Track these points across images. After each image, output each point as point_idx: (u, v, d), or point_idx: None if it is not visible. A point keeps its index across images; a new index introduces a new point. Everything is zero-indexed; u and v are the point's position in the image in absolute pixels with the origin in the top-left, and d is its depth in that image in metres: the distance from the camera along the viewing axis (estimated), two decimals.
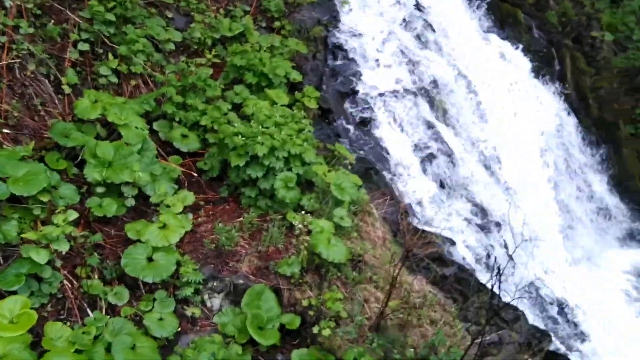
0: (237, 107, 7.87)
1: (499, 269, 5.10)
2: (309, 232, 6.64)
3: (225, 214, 7.03)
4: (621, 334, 9.99)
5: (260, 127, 6.99)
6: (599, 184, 12.35)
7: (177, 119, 7.59)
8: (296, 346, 6.25)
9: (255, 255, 6.59)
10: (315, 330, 6.09)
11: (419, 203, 8.76)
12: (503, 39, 11.70)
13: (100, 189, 6.50)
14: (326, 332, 6.01)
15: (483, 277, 8.27)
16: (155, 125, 7.55)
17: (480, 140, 10.29)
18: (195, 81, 7.73)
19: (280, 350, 6.27)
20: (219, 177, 7.50)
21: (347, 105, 9.23)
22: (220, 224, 6.69)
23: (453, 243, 8.54)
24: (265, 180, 6.89)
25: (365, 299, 6.43)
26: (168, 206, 6.71)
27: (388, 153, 9.07)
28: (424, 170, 9.24)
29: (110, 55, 7.52)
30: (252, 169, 6.87)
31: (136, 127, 6.93)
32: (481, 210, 9.71)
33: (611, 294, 11.05)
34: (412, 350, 6.11)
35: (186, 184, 7.35)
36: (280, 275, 6.47)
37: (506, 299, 6.47)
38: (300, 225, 6.60)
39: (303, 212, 6.88)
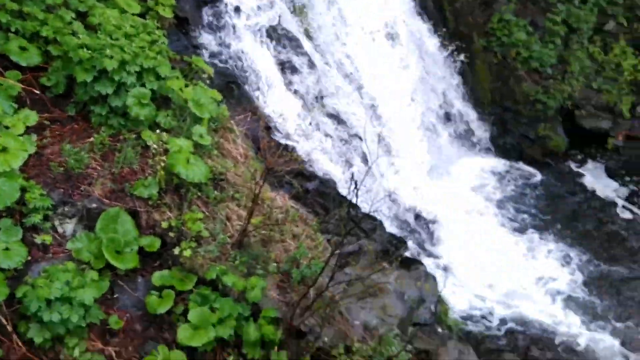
0: (82, 16, 7.18)
1: (355, 183, 5.18)
2: (166, 152, 6.36)
3: (73, 134, 6.52)
4: (472, 238, 10.83)
5: (108, 38, 6.45)
6: (455, 96, 12.95)
7: (13, 29, 6.78)
8: (157, 268, 6.11)
9: (108, 178, 6.23)
10: (176, 251, 5.96)
11: (282, 117, 8.68)
12: None
13: None
14: (187, 252, 5.90)
15: (344, 189, 8.47)
16: None
17: (344, 56, 10.30)
18: None
19: (140, 274, 6.11)
20: (65, 94, 6.86)
21: (206, 14, 8.73)
22: (68, 145, 6.21)
23: (315, 157, 8.62)
24: (116, 96, 6.43)
25: (228, 218, 6.36)
26: (7, 127, 6.08)
27: (250, 66, 8.80)
28: (287, 85, 9.12)
29: None
30: (101, 85, 6.37)
31: None
32: (343, 124, 9.84)
33: (464, 200, 11.86)
34: (275, 265, 6.19)
35: (28, 102, 6.69)
36: (136, 197, 6.19)
37: (367, 210, 6.71)
38: (155, 145, 6.29)
39: (159, 130, 6.54)
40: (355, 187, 5.28)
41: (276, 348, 5.78)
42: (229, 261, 6.03)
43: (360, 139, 9.67)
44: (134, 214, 6.16)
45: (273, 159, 5.91)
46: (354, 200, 5.43)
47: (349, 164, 9.36)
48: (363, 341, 6.29)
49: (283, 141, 8.28)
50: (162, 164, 6.22)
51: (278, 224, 6.53)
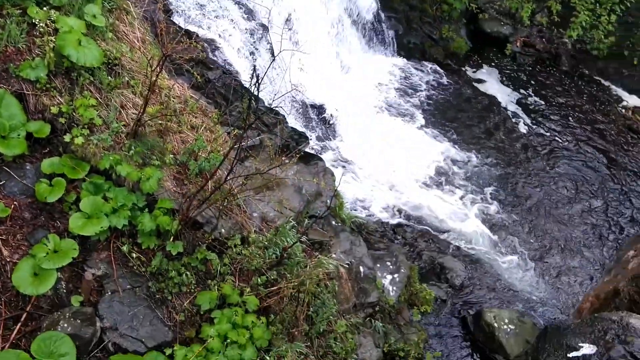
0: None
1: (257, 76, 5.08)
2: (55, 32, 5.91)
3: None
4: (372, 134, 11.07)
5: None
6: None
7: None
8: (46, 155, 5.84)
9: None
10: (67, 138, 5.69)
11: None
12: None
13: None
14: (79, 140, 5.65)
15: (248, 81, 8.31)
16: None
17: None
18: None
19: (28, 160, 5.83)
20: None
21: None
22: None
23: (218, 45, 8.32)
24: None
25: (122, 105, 6.10)
26: None
27: None
28: None
29: None
30: None
31: None
32: (249, 12, 9.48)
33: (367, 97, 12.01)
34: (172, 156, 6.07)
35: None
36: (23, 79, 5.77)
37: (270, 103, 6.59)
38: (43, 24, 5.80)
39: (47, 7, 6.03)
40: (257, 80, 5.17)
41: (172, 238, 5.80)
42: (123, 151, 5.84)
43: (267, 29, 9.40)
44: (21, 98, 5.77)
45: (171, 45, 5.64)
46: (256, 93, 5.34)
47: (254, 55, 9.11)
48: (260, 232, 6.44)
49: (185, 26, 7.89)
50: (51, 45, 5.79)
51: (176, 114, 6.35)
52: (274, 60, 6.02)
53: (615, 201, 11.26)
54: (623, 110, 14.57)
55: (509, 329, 8.01)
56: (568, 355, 4.53)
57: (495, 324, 8.08)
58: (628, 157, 12.59)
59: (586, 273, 9.73)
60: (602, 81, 15.19)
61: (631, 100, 14.88)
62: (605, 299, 6.37)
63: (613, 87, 15.07)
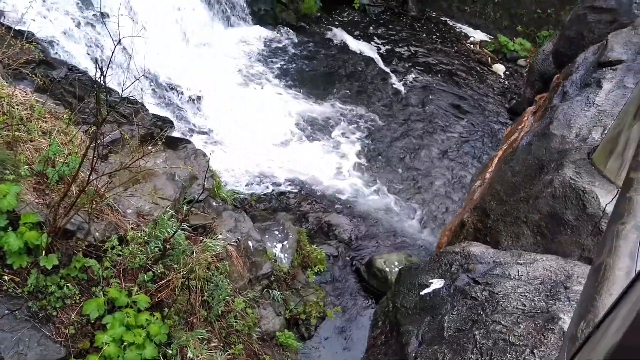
0: None
1: (101, 69, 4.84)
2: None
3: None
4: (238, 107, 10.97)
5: None
6: None
7: None
8: None
9: None
10: None
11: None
12: None
13: None
14: None
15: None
16: None
17: None
18: None
19: None
20: None
21: None
22: None
23: (57, 42, 7.84)
24: None
25: None
26: None
27: None
28: None
29: None
30: None
31: None
32: (87, 2, 8.99)
33: (227, 72, 11.85)
34: (27, 167, 5.69)
35: None
36: None
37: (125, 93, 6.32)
38: None
39: None
40: (101, 71, 4.93)
41: (44, 252, 5.48)
42: None
43: (108, 16, 8.95)
44: None
45: (1, 49, 5.23)
46: (104, 85, 5.09)
47: (99, 46, 8.68)
48: (138, 229, 6.23)
49: (17, 27, 7.33)
50: None
51: (23, 123, 5.93)
52: (115, 49, 5.74)
53: (475, 133, 11.98)
54: (471, 46, 15.43)
55: None
56: (420, 293, 4.82)
57: (387, 268, 8.43)
58: (483, 88, 13.40)
59: (453, 209, 10.33)
60: (448, 21, 15.97)
61: (477, 35, 15.79)
62: (455, 231, 6.81)
63: (458, 25, 15.89)
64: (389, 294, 5.59)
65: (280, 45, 12.99)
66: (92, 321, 5.61)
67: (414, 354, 4.38)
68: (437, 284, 4.77)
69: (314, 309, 7.64)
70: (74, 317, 5.57)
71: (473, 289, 4.66)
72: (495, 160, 8.04)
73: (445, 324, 4.45)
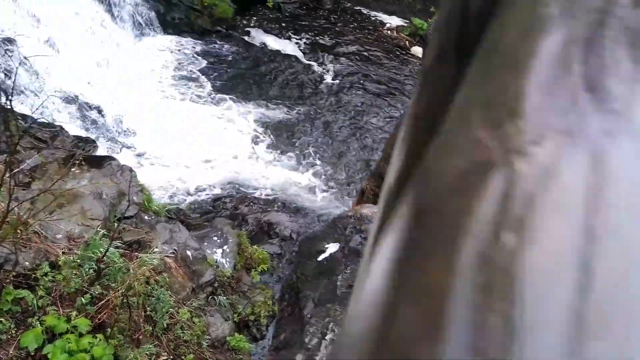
0: None
1: (5, 93, 4.71)
2: None
3: None
4: (163, 119, 10.83)
5: None
6: None
7: None
8: None
9: None
10: None
11: None
12: None
13: None
14: None
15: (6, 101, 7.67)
16: None
17: None
18: None
19: None
20: None
21: None
22: None
23: None
24: None
25: None
26: None
27: None
28: None
29: None
30: None
31: None
32: None
33: (144, 85, 11.67)
34: None
35: None
36: None
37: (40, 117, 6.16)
38: None
39: None
40: (7, 96, 4.80)
41: None
42: None
43: (14, 42, 8.67)
44: None
45: None
46: (12, 109, 4.95)
47: (5, 72, 8.38)
48: (69, 252, 6.08)
49: None
50: None
51: None
52: (16, 73, 5.60)
53: (400, 112, 12.23)
54: (389, 32, 15.72)
55: None
56: (318, 259, 4.94)
57: None
58: (405, 70, 13.69)
59: None
60: (363, 10, 16.21)
61: (392, 20, 16.09)
62: (359, 200, 6.98)
63: (374, 13, 16.16)
64: (293, 267, 5.69)
65: (198, 51, 12.87)
66: (32, 353, 5.45)
67: (309, 315, 4.48)
68: (332, 248, 4.88)
69: (263, 309, 7.63)
70: (12, 352, 5.40)
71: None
72: None
73: (338, 283, 4.56)
